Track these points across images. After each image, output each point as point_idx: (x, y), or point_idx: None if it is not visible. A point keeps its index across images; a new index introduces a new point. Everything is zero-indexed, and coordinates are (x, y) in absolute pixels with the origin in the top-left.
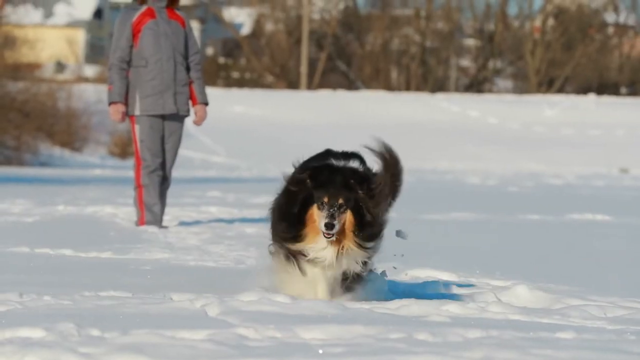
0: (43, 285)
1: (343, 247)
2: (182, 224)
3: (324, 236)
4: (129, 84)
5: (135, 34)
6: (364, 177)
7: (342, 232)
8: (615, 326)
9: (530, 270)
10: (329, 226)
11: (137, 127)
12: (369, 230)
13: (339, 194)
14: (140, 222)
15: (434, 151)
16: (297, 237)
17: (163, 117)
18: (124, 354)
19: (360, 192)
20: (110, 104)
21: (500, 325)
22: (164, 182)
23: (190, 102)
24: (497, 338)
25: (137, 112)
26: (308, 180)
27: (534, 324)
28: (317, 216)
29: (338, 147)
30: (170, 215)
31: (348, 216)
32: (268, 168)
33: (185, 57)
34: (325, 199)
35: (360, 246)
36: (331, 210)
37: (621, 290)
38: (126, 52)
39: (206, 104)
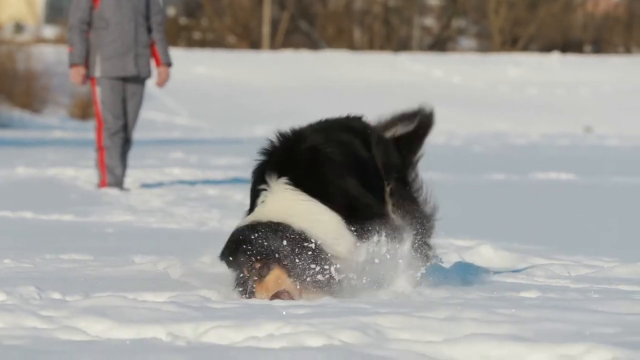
0: (3, 249)
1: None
2: (145, 186)
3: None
4: (90, 46)
5: None
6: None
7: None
8: (579, 285)
9: (494, 229)
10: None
11: (98, 89)
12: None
13: (259, 261)
14: (102, 184)
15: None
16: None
17: (124, 79)
18: (86, 317)
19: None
20: (70, 66)
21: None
22: (126, 144)
23: (153, 63)
24: (461, 298)
25: (97, 73)
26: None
27: (498, 284)
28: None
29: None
30: (132, 177)
31: (276, 273)
32: (230, 130)
33: (147, 18)
34: (245, 273)
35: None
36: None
37: (585, 249)
38: (86, 13)
39: (169, 64)
